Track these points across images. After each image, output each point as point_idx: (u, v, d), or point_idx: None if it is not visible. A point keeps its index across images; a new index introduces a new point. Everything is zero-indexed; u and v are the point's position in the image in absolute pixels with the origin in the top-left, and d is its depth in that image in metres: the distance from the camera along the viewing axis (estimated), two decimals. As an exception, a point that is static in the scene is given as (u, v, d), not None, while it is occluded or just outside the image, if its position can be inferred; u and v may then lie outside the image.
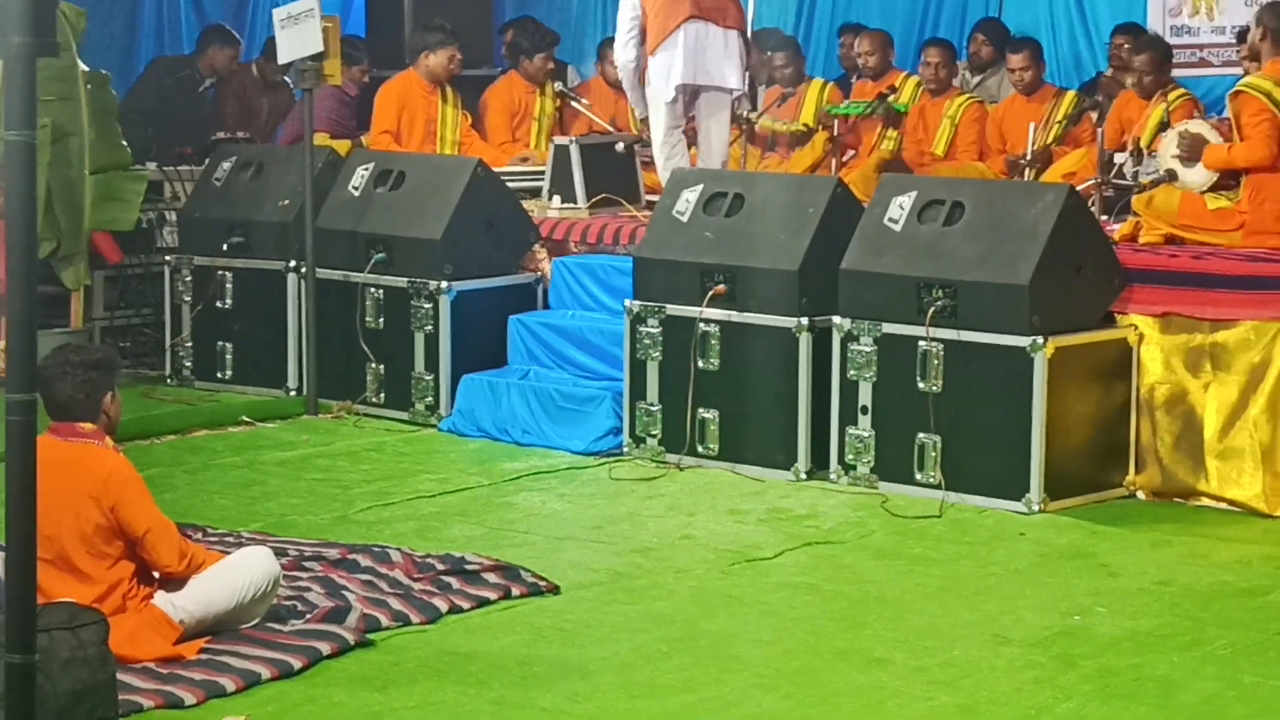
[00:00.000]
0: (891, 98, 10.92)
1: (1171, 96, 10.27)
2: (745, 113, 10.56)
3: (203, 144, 10.92)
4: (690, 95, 9.67)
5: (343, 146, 10.79)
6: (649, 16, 9.55)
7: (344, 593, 6.15)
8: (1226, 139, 8.34)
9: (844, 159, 10.90)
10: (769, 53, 11.70)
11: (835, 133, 10.79)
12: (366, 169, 9.49)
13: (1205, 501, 7.51)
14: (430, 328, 9.04)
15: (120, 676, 5.16)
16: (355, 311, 9.23)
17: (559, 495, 7.78)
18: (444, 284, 8.98)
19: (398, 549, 6.70)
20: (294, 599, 6.04)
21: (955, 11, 12.42)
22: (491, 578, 6.37)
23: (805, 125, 11.29)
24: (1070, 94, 10.94)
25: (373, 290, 9.21)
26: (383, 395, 9.21)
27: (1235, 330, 7.48)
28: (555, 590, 6.31)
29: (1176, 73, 11.08)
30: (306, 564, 6.49)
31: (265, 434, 8.89)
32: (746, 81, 9.82)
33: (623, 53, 9.79)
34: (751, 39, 10.59)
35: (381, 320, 9.20)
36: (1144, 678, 5.49)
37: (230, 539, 6.79)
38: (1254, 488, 7.37)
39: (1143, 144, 9.45)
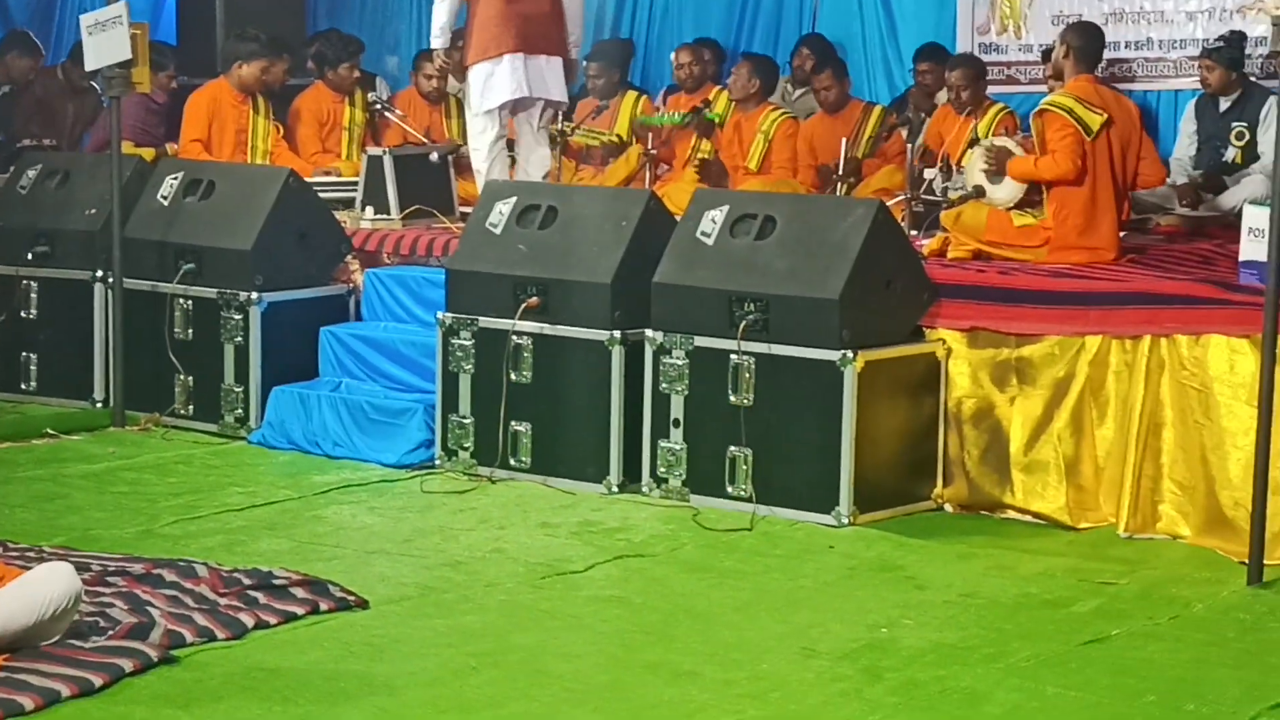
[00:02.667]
0: (706, 110, 10.99)
1: (991, 112, 10.46)
2: (560, 125, 10.56)
3: (3, 151, 10.73)
4: (510, 108, 9.67)
5: (148, 154, 10.65)
6: (474, 16, 9.55)
7: (148, 608, 6.05)
8: (1031, 155, 8.47)
9: (658, 172, 10.94)
10: (584, 63, 11.73)
11: (649, 146, 10.82)
12: (176, 178, 9.36)
13: (1011, 514, 7.60)
14: (240, 339, 8.93)
15: (-86, 696, 5.04)
16: (164, 322, 9.09)
17: (369, 508, 7.72)
18: (254, 295, 8.88)
19: (204, 564, 6.60)
20: (96, 615, 5.93)
21: (770, 26, 12.49)
22: (299, 592, 6.30)
23: (619, 137, 11.32)
24: (878, 109, 11.07)
25: (182, 301, 9.09)
26: (191, 407, 9.08)
27: (1040, 345, 7.58)
28: (364, 605, 6.25)
29: (987, 90, 11.26)
30: (110, 579, 6.38)
31: (70, 446, 8.74)
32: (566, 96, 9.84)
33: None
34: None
35: (190, 331, 9.08)
36: (949, 689, 5.55)
37: (31, 554, 6.66)
38: (1058, 500, 7.48)
39: (953, 160, 9.59)
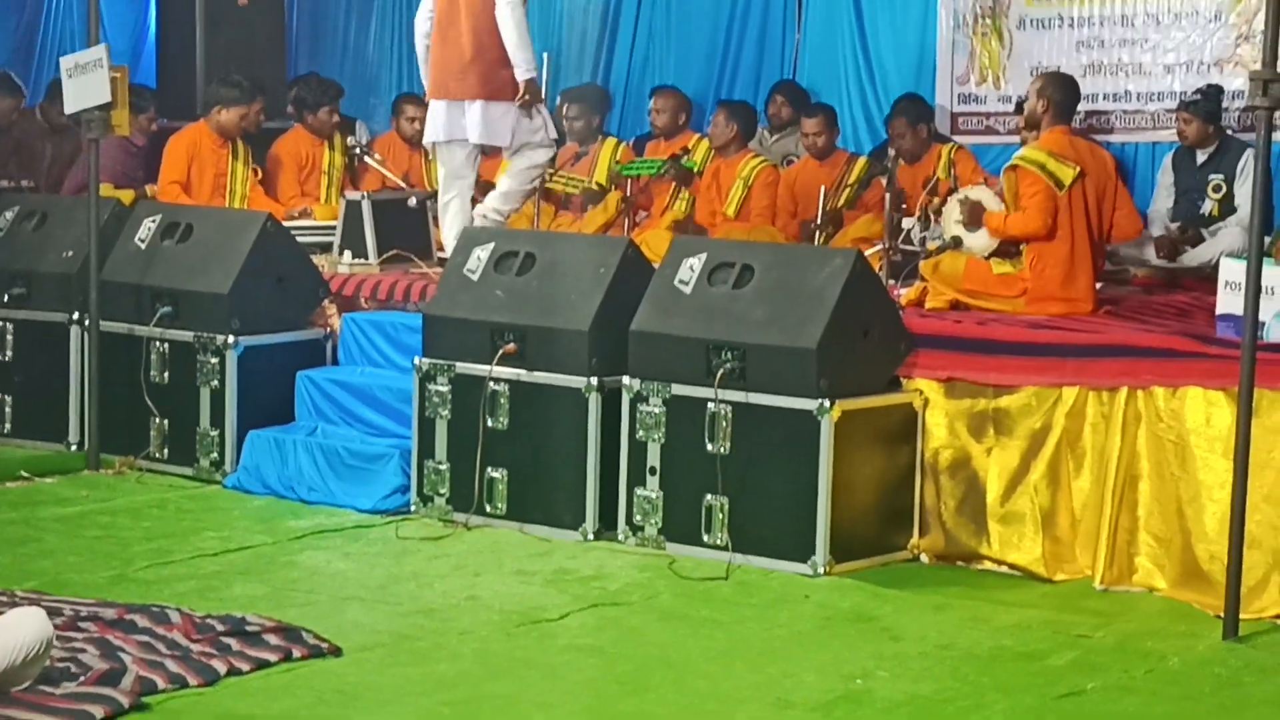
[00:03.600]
0: (684, 158, 11.00)
1: (944, 152, 10.52)
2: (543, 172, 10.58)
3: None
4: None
5: (127, 196, 10.65)
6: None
7: (120, 654, 6.01)
8: (1006, 205, 8.49)
9: (636, 219, 10.94)
10: (567, 106, 11.76)
11: (628, 193, 10.83)
12: (154, 221, 9.34)
13: (987, 565, 7.60)
14: (216, 383, 8.91)
15: (-118, 742, 5.01)
16: (140, 365, 9.07)
17: (344, 554, 7.69)
18: (231, 339, 8.87)
19: (177, 609, 6.57)
20: (68, 660, 5.89)
21: (750, 74, 12.51)
22: (272, 639, 6.27)
23: (598, 184, 11.33)
24: (862, 160, 11.09)
25: (158, 344, 9.06)
26: (166, 451, 9.06)
27: (1017, 396, 7.59)
28: (337, 652, 6.23)
29: (964, 140, 11.31)
30: (82, 624, 6.35)
31: (44, 489, 8.71)
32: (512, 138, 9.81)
33: (420, 25, 9.96)
34: (546, 95, 10.64)
35: (167, 375, 9.06)
36: (924, 742, 5.54)
37: (3, 598, 6.63)
38: (1034, 552, 7.47)
39: (912, 209, 9.62)
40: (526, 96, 9.58)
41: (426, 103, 11.46)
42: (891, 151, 10.30)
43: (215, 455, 8.92)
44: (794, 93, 11.83)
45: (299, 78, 12.23)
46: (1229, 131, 10.40)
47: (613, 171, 11.16)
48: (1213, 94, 10.27)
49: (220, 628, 6.36)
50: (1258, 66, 6.64)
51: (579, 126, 11.65)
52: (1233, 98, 10.43)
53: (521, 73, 9.55)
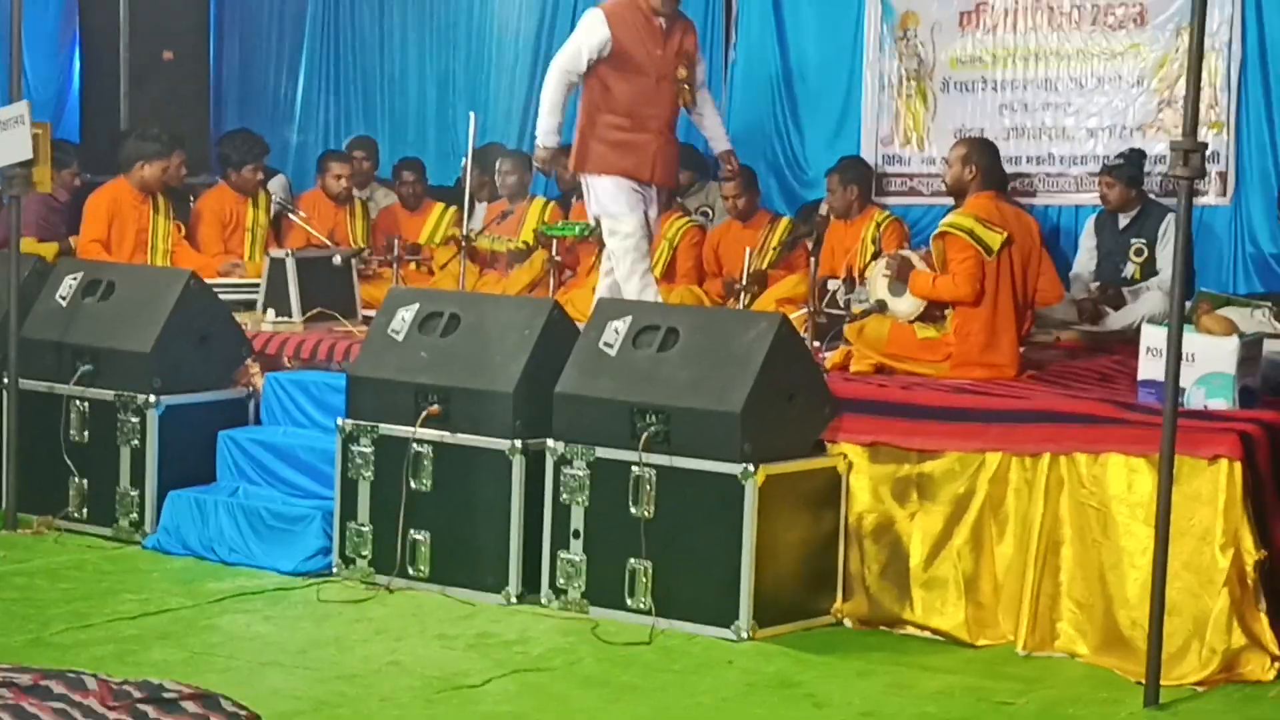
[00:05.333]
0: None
1: (879, 217, 10.58)
2: (465, 230, 10.57)
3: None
4: None
5: (50, 250, 10.57)
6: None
7: (35, 722, 5.93)
8: (933, 269, 8.53)
9: (563, 278, 10.94)
10: (499, 161, 11.77)
11: (554, 252, 10.83)
12: (75, 278, 9.27)
13: (910, 630, 7.59)
14: (137, 442, 8.84)
15: None
16: (59, 424, 8.99)
17: (265, 617, 7.62)
18: (152, 398, 8.80)
19: (93, 675, 6.44)
20: (-19, 728, 5.81)
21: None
22: (190, 706, 6.18)
23: (525, 243, 11.32)
24: (785, 220, 11.14)
25: (78, 403, 8.99)
26: (86, 510, 8.97)
27: (941, 461, 7.60)
28: None
29: (888, 201, 11.38)
30: (-4, 690, 6.26)
31: (-41, 550, 8.62)
32: None
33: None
34: (472, 155, 10.65)
35: (87, 433, 8.98)
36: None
37: (-83, 663, 6.54)
38: (957, 617, 7.47)
39: (856, 270, 9.64)
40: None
41: (352, 160, 11.45)
42: (824, 209, 10.34)
43: (135, 515, 8.84)
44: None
45: (226, 134, 12.19)
46: (1151, 195, 10.50)
47: (538, 232, 11.16)
48: (1134, 158, 10.38)
49: (137, 694, 6.26)
50: (1179, 131, 6.69)
51: (511, 182, 11.67)
52: (1154, 162, 10.53)
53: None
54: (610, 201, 9.30)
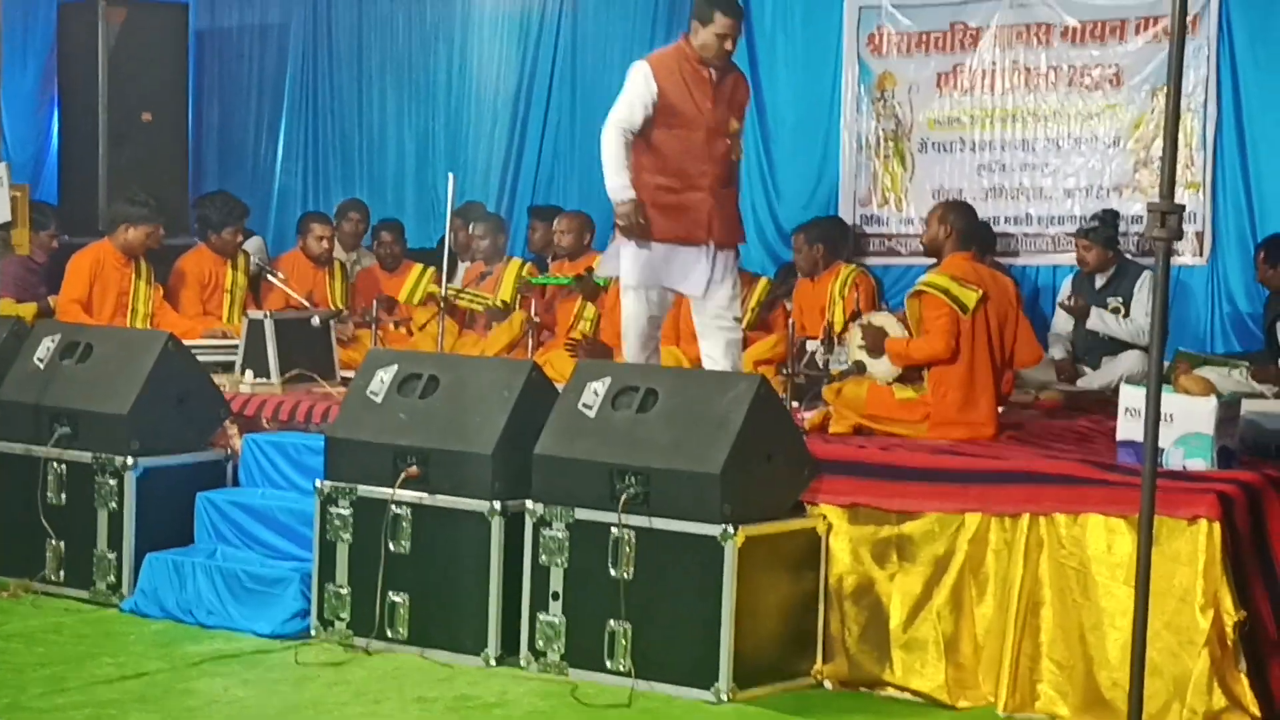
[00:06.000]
0: (593, 275, 11.03)
1: (844, 272, 10.63)
2: (444, 290, 10.57)
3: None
4: None
5: (28, 310, 10.56)
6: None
7: (11, 788, 5.91)
8: (909, 330, 8.55)
9: (541, 339, 10.95)
10: (473, 226, 11.81)
11: (533, 312, 10.83)
12: (53, 340, 9.25)
13: (890, 691, 7.57)
14: (114, 504, 8.80)
15: None
16: (36, 487, 8.95)
17: (242, 681, 7.59)
18: (130, 460, 8.77)
19: (70, 740, 6.46)
20: (-43, 795, 5.79)
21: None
22: (168, 771, 6.18)
23: (503, 302, 11.34)
24: (764, 280, 11.15)
25: (55, 465, 8.95)
26: (62, 573, 8.91)
27: (920, 521, 7.60)
28: (234, 785, 6.14)
29: (867, 261, 11.42)
30: (-28, 756, 6.24)
31: (-64, 614, 8.58)
32: None
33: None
34: (454, 215, 10.67)
35: (64, 496, 8.94)
36: None
37: (-108, 729, 6.51)
38: (937, 678, 7.45)
39: (835, 330, 9.67)
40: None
41: (333, 222, 11.47)
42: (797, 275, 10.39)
43: (112, 578, 8.80)
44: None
45: (205, 195, 12.21)
46: (1127, 255, 10.54)
47: (521, 283, 11.17)
48: (1109, 219, 10.43)
49: (115, 759, 6.26)
50: (1155, 191, 6.71)
51: (485, 245, 11.71)
52: (1131, 222, 10.58)
53: None
54: (625, 274, 8.95)
